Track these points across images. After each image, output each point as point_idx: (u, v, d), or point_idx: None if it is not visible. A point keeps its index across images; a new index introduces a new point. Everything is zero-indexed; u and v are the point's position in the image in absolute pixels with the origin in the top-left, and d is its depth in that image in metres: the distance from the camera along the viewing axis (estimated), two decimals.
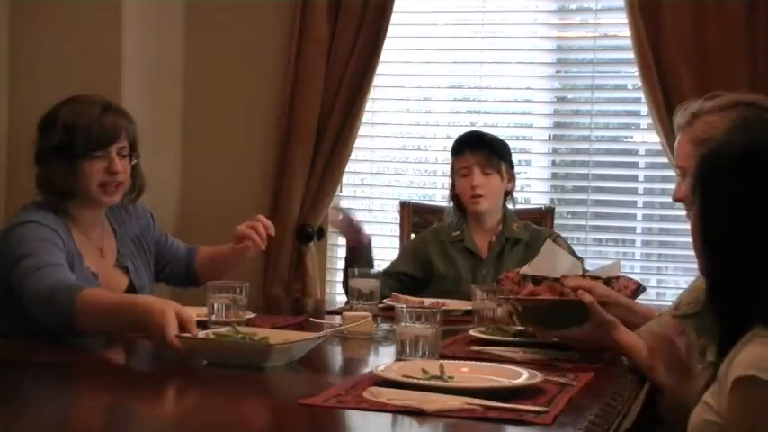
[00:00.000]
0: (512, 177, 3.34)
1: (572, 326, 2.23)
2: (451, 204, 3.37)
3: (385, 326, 2.61)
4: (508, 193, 3.34)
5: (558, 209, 3.85)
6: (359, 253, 3.26)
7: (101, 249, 2.68)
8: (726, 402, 1.51)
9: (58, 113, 2.61)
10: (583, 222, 4.13)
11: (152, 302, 2.24)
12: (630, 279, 2.73)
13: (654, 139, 3.92)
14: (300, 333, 2.33)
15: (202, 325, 2.39)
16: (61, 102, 2.66)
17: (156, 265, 2.87)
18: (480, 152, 3.25)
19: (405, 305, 2.26)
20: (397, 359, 2.11)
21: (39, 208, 2.58)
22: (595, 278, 2.49)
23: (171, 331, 2.13)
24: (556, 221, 3.68)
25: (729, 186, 1.60)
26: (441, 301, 2.89)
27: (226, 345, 2.15)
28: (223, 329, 2.25)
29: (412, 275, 3.30)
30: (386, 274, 3.25)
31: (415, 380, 1.84)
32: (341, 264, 4.33)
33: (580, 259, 2.99)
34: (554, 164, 4.27)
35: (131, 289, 2.70)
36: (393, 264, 3.36)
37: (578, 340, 2.24)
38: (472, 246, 3.28)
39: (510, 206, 3.37)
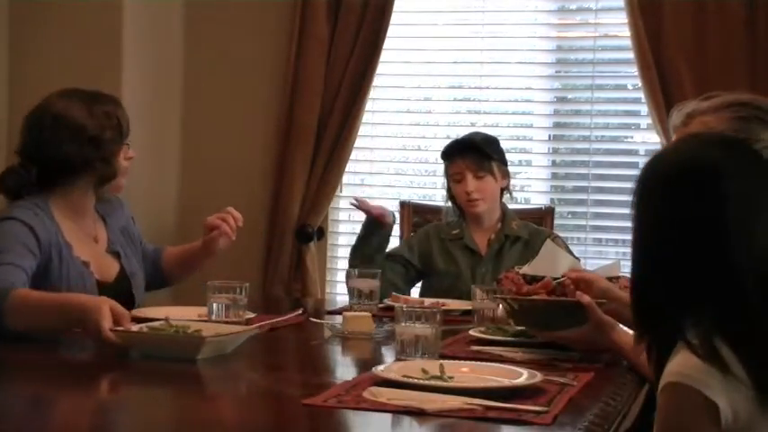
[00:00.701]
0: (506, 174, 3.34)
1: (569, 327, 2.22)
2: (450, 204, 3.38)
3: (385, 326, 2.61)
4: (504, 190, 3.35)
5: (558, 209, 3.85)
6: (383, 227, 3.30)
7: (94, 237, 2.73)
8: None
9: (97, 106, 2.66)
10: (583, 222, 4.13)
11: (87, 299, 2.31)
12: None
13: (654, 139, 3.92)
14: (234, 327, 2.37)
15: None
16: (77, 97, 2.68)
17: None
18: (470, 157, 3.26)
19: (405, 305, 2.26)
20: (397, 359, 2.11)
21: (29, 203, 2.60)
22: None
23: (105, 325, 2.19)
24: (556, 221, 3.68)
25: (651, 203, 1.62)
26: (441, 301, 2.89)
27: (159, 337, 2.20)
28: (156, 323, 2.29)
29: (413, 264, 3.32)
30: (389, 256, 3.29)
31: (415, 380, 1.84)
32: (341, 264, 4.35)
33: (577, 259, 2.99)
34: (554, 164, 4.27)
35: (123, 274, 2.73)
36: (395, 249, 3.37)
37: (576, 341, 2.24)
38: (472, 243, 3.29)
39: (507, 202, 3.38)
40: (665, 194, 1.60)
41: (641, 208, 1.64)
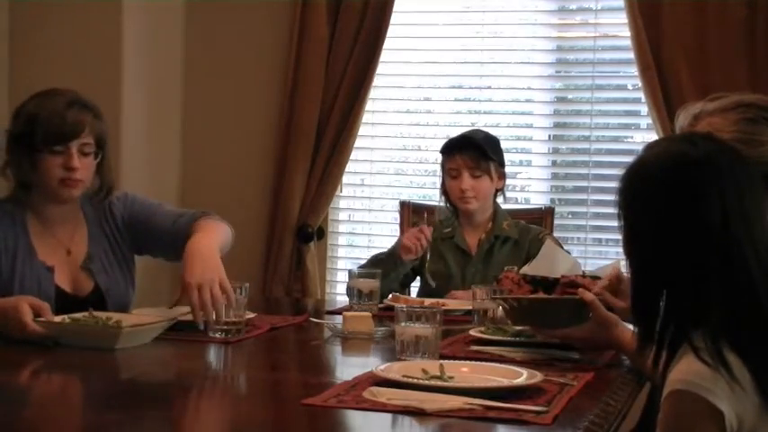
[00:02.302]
0: (502, 176, 3.34)
1: (571, 324, 2.22)
2: (442, 202, 3.37)
3: (385, 326, 2.60)
4: (498, 191, 3.35)
5: (558, 209, 3.85)
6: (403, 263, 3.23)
7: (68, 249, 2.65)
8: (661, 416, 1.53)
9: (27, 104, 2.61)
10: (583, 222, 4.13)
11: (5, 301, 2.35)
12: None
13: (654, 139, 3.92)
14: (154, 317, 2.43)
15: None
16: (36, 93, 2.65)
17: (146, 242, 2.76)
18: (469, 154, 3.26)
19: (405, 305, 2.26)
20: (398, 359, 2.11)
21: (3, 203, 2.61)
22: (595, 278, 2.49)
23: (27, 319, 2.28)
24: (556, 221, 3.68)
25: (644, 207, 1.62)
26: (441, 300, 2.89)
27: (79, 328, 2.30)
28: (79, 315, 2.37)
29: (413, 266, 3.29)
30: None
31: (415, 380, 1.84)
32: (341, 264, 4.35)
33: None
34: (554, 164, 4.27)
35: (97, 290, 2.64)
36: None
37: (578, 339, 2.23)
38: (463, 243, 3.29)
39: (500, 202, 3.38)
40: (657, 196, 1.59)
41: (634, 214, 1.63)
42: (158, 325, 2.36)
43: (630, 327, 2.19)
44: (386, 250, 3.32)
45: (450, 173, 3.30)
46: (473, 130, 3.44)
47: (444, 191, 3.35)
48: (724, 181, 1.56)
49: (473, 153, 3.26)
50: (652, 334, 1.60)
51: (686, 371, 1.49)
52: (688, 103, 2.24)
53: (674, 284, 1.57)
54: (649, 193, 1.61)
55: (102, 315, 2.38)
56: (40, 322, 2.29)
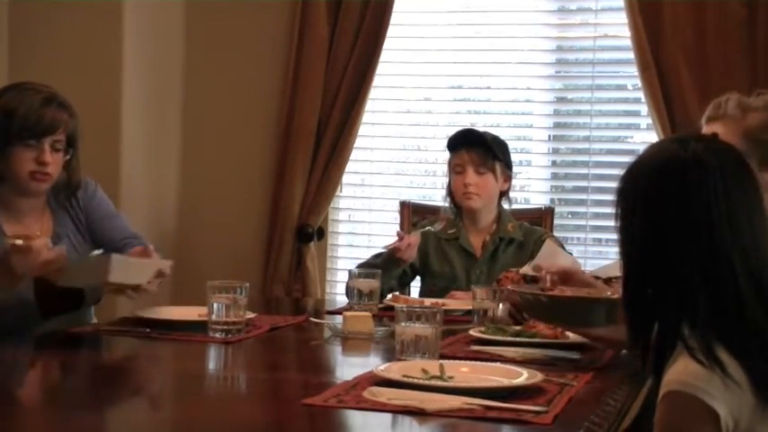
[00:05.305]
0: (508, 178, 3.33)
1: (599, 325, 2.19)
2: (447, 202, 3.37)
3: (385, 326, 2.60)
4: (504, 194, 3.34)
5: (558, 209, 3.85)
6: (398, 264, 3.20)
7: (37, 234, 2.66)
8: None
9: (2, 97, 2.63)
10: (583, 222, 4.13)
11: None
12: None
13: (654, 138, 3.92)
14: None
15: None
16: (9, 86, 2.68)
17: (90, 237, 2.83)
18: (475, 150, 3.26)
19: (405, 305, 2.26)
20: (397, 359, 2.11)
21: None
22: (595, 278, 2.49)
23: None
24: (556, 221, 3.68)
25: (638, 207, 1.63)
26: (441, 300, 2.89)
27: (74, 264, 2.38)
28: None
29: (412, 263, 3.27)
30: None
31: (415, 380, 1.84)
32: (341, 263, 4.35)
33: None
34: (554, 164, 4.27)
35: None
36: None
37: (609, 340, 2.21)
38: (467, 245, 3.29)
39: (506, 206, 3.37)
40: (650, 196, 1.61)
41: (625, 214, 1.64)
42: (148, 264, 2.42)
43: None
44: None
45: (455, 169, 3.30)
46: (482, 130, 3.43)
47: (450, 192, 3.35)
48: (710, 181, 1.57)
49: (479, 149, 3.26)
50: (642, 331, 1.61)
51: (682, 371, 1.49)
52: (728, 94, 2.22)
53: (660, 282, 1.58)
54: (638, 193, 1.63)
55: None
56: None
